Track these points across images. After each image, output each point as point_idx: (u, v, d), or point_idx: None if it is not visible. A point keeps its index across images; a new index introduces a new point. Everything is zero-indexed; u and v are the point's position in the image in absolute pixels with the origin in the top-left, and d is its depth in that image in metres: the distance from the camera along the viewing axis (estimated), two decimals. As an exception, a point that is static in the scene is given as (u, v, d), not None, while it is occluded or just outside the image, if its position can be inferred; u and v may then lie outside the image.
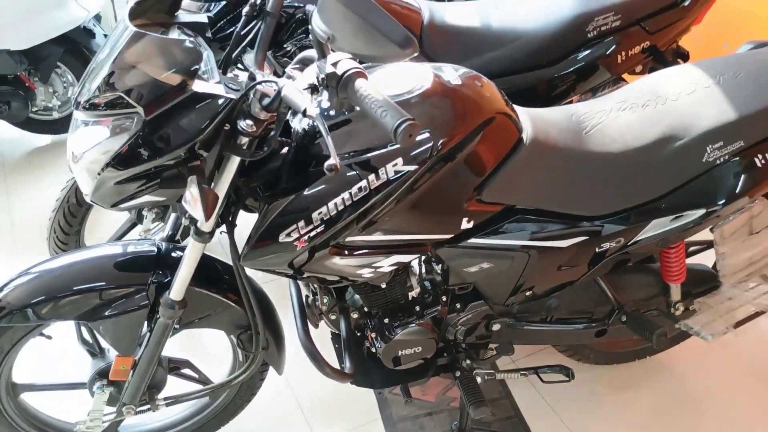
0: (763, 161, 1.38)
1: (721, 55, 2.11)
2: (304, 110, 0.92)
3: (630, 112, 1.41)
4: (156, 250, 1.34)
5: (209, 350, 2.04)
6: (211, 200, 1.03)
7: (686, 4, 2.03)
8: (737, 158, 1.37)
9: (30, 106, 2.78)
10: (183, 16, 1.13)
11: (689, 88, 1.42)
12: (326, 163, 0.88)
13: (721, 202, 1.39)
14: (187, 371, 1.56)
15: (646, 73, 2.20)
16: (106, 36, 2.85)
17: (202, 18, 1.14)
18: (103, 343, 1.45)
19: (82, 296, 1.26)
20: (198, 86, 1.02)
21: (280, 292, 1.67)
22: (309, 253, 1.22)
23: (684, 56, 2.23)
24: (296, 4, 1.66)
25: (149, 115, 1.02)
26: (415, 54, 0.83)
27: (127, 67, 1.00)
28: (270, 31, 1.20)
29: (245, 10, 1.23)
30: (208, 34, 1.16)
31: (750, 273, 1.71)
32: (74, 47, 2.75)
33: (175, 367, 1.53)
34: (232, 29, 1.66)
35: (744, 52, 1.58)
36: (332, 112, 1.17)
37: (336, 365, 1.47)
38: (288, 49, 1.71)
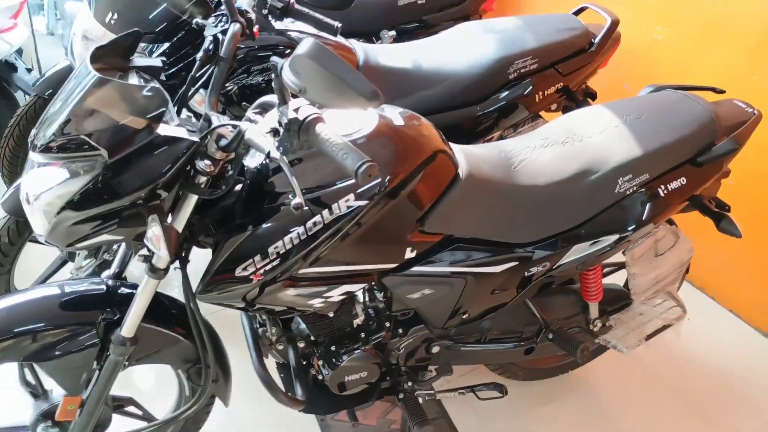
0: (665, 191, 1.56)
1: (622, 94, 2.33)
2: (268, 153, 0.98)
3: (551, 149, 1.56)
4: (105, 287, 1.34)
5: (145, 386, 2.00)
6: (173, 237, 1.06)
7: (593, 49, 2.25)
8: (644, 189, 1.54)
9: (-54, 141, 2.63)
10: (137, 60, 1.17)
11: (601, 128, 1.59)
12: (293, 202, 0.95)
13: (631, 228, 1.55)
14: (131, 408, 1.54)
15: (560, 110, 2.40)
16: (28, 70, 2.76)
17: (157, 62, 1.18)
18: (47, 384, 1.42)
19: (29, 337, 1.24)
20: (162, 129, 1.06)
21: (223, 323, 1.69)
22: (262, 286, 1.27)
23: (592, 95, 2.45)
24: (239, 46, 1.72)
25: (112, 158, 1.04)
26: (381, 105, 0.92)
27: (90, 112, 1.02)
28: (223, 75, 1.25)
29: (199, 55, 1.28)
30: (162, 77, 1.20)
31: (657, 290, 1.90)
32: (-6, 80, 2.66)
33: (119, 405, 1.51)
34: (174, 70, 1.70)
35: (645, 95, 1.78)
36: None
37: (286, 393, 1.50)
38: (229, 87, 1.76)
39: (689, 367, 2.39)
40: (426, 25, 2.94)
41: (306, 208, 1.20)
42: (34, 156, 1.09)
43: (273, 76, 1.00)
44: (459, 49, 2.16)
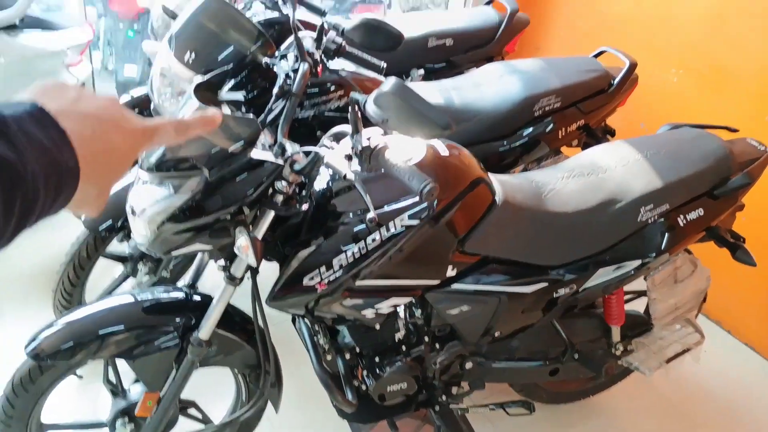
0: (684, 221, 1.69)
1: (639, 132, 2.48)
2: (345, 174, 1.14)
3: (578, 180, 1.70)
4: (184, 295, 1.49)
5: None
6: (259, 247, 1.22)
7: (613, 90, 2.41)
8: (664, 218, 1.67)
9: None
10: (225, 94, 1.35)
11: (623, 161, 1.74)
12: (368, 216, 1.10)
13: (652, 254, 1.67)
14: (192, 411, 1.68)
15: (580, 146, 2.54)
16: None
17: (239, 96, 1.35)
18: (126, 384, 1.57)
19: (124, 336, 1.39)
20: (254, 153, 1.23)
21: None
22: (324, 296, 1.41)
23: (611, 133, 2.61)
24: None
25: (212, 177, 1.21)
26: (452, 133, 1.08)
27: (195, 137, 1.18)
28: (294, 108, 1.42)
29: (275, 90, 1.46)
30: (243, 109, 1.37)
31: (676, 317, 2.00)
32: (59, 110, 2.84)
33: (184, 407, 1.65)
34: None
35: (664, 132, 1.92)
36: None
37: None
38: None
39: (704, 397, 2.48)
40: (452, 65, 3.11)
41: (377, 222, 1.34)
42: (141, 174, 1.26)
43: (350, 109, 1.17)
44: (487, 88, 2.31)
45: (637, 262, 1.69)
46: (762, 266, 1.93)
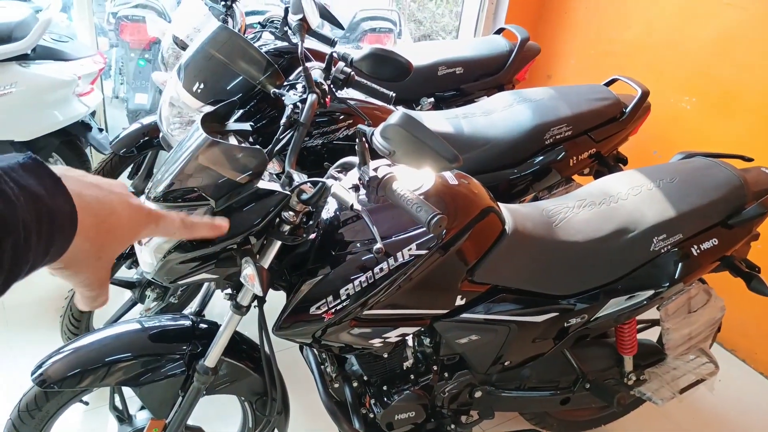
0: (698, 251, 1.66)
1: (651, 160, 2.46)
2: (351, 205, 1.14)
3: (589, 209, 1.69)
4: (190, 323, 1.49)
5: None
6: (265, 276, 1.21)
7: (624, 118, 2.40)
8: (677, 248, 1.65)
9: (22, 194, 2.84)
10: (232, 124, 1.35)
11: (636, 191, 1.73)
12: (375, 247, 1.10)
13: (665, 285, 1.65)
14: (200, 437, 1.67)
15: (592, 175, 2.54)
16: (100, 130, 3.01)
17: (247, 127, 1.36)
18: (132, 410, 1.56)
19: (130, 363, 1.39)
20: (261, 184, 1.23)
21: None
22: (330, 325, 1.40)
23: (623, 161, 2.59)
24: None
25: (219, 207, 1.21)
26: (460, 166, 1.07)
27: (202, 168, 1.19)
28: (302, 138, 1.43)
29: (283, 120, 1.47)
30: (251, 140, 1.38)
31: (690, 347, 1.97)
32: (68, 138, 2.89)
33: (190, 433, 1.64)
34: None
35: (676, 161, 1.91)
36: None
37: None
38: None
39: (719, 426, 2.43)
40: (462, 93, 3.11)
41: (385, 252, 1.34)
42: (149, 204, 1.26)
43: (357, 140, 1.17)
44: (498, 117, 2.32)
45: (649, 292, 1.67)
46: (777, 296, 1.89)
